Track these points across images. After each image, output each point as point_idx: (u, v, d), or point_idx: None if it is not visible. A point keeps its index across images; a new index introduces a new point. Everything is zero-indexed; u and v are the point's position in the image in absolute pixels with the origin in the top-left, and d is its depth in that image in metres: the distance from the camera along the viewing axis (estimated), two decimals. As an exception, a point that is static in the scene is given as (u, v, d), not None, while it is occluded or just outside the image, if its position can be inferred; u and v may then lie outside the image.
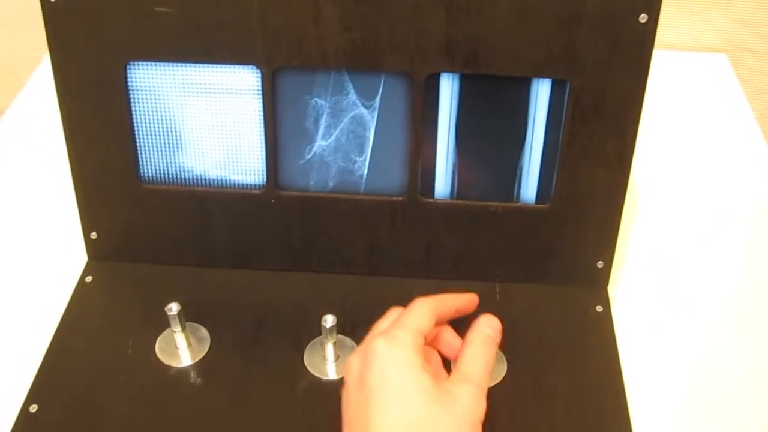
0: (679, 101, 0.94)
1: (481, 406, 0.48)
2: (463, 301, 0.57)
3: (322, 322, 0.57)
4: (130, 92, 0.62)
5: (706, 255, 0.74)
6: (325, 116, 0.62)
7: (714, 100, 0.95)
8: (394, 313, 0.54)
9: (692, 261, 0.73)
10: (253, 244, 0.67)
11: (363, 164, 0.63)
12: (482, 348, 0.51)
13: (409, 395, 0.46)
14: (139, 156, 0.64)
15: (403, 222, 0.65)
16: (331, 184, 0.64)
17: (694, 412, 0.61)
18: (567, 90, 0.59)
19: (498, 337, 0.53)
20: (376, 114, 0.62)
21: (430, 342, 0.55)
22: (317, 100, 0.61)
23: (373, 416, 0.46)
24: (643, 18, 0.56)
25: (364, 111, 0.61)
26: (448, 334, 0.56)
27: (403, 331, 0.50)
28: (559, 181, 0.63)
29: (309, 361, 0.60)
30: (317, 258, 0.67)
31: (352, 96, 0.61)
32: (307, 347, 0.61)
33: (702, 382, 0.63)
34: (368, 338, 0.52)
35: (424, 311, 0.52)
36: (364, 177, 0.64)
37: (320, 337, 0.60)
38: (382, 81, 0.60)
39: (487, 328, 0.53)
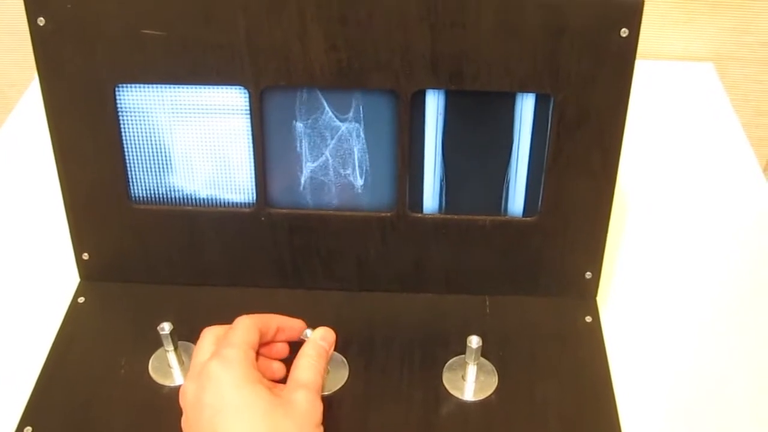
0: (666, 110, 0.95)
1: (317, 409, 0.51)
2: (285, 321, 0.58)
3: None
4: (120, 114, 0.62)
5: (694, 263, 0.74)
6: (308, 135, 0.62)
7: (701, 109, 0.95)
8: (208, 334, 0.55)
9: (680, 269, 0.74)
10: (244, 262, 0.67)
11: (353, 180, 0.64)
12: (315, 358, 0.54)
13: (250, 408, 0.48)
14: (130, 176, 0.64)
15: (393, 237, 0.65)
16: (322, 200, 0.65)
17: (683, 420, 0.61)
18: (551, 104, 0.60)
19: (330, 349, 0.56)
20: (357, 127, 0.62)
21: (266, 353, 0.57)
22: (297, 122, 0.62)
23: None
24: (624, 32, 0.57)
25: (342, 125, 0.62)
26: (279, 345, 0.58)
27: (233, 349, 0.51)
28: (546, 194, 0.63)
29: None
30: (308, 275, 0.67)
31: (329, 113, 0.61)
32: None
33: (692, 390, 0.63)
34: (193, 363, 0.53)
35: (248, 326, 0.54)
36: (355, 193, 0.64)
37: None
38: (356, 94, 0.61)
39: (321, 340, 0.56)
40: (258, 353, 0.55)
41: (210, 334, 0.55)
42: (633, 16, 0.56)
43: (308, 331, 0.57)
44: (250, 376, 0.50)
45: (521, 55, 0.58)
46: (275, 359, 0.58)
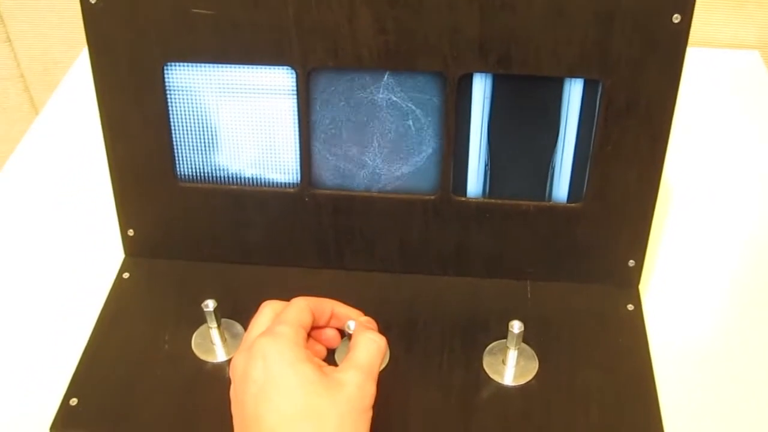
0: (711, 98, 0.93)
1: (367, 392, 0.50)
2: (340, 308, 0.57)
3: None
4: (168, 92, 0.63)
5: (738, 254, 0.74)
6: (353, 116, 0.63)
7: (746, 97, 0.94)
8: (267, 308, 0.55)
9: (724, 260, 0.73)
10: (288, 241, 0.68)
11: (398, 161, 0.64)
12: (370, 341, 0.53)
13: (293, 388, 0.48)
14: (176, 155, 0.65)
15: (435, 220, 0.65)
16: (366, 182, 0.65)
17: (724, 411, 0.61)
18: (600, 89, 0.59)
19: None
20: (403, 109, 0.62)
21: (316, 337, 0.57)
22: (343, 103, 0.62)
23: (261, 412, 0.48)
24: (677, 18, 0.56)
25: (387, 107, 0.62)
26: (331, 332, 0.58)
27: (285, 326, 0.51)
28: (591, 181, 0.63)
29: (340, 357, 0.61)
30: (350, 255, 0.68)
31: (375, 95, 0.61)
32: (341, 343, 0.61)
33: (733, 380, 0.63)
34: (247, 336, 0.54)
35: (302, 307, 0.54)
36: (399, 175, 0.64)
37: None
38: (403, 77, 0.61)
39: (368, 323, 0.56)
40: (309, 335, 0.55)
41: (269, 309, 0.55)
42: (686, 2, 0.55)
43: (351, 323, 0.57)
44: (299, 354, 0.50)
45: (571, 39, 0.57)
46: (324, 346, 0.58)
